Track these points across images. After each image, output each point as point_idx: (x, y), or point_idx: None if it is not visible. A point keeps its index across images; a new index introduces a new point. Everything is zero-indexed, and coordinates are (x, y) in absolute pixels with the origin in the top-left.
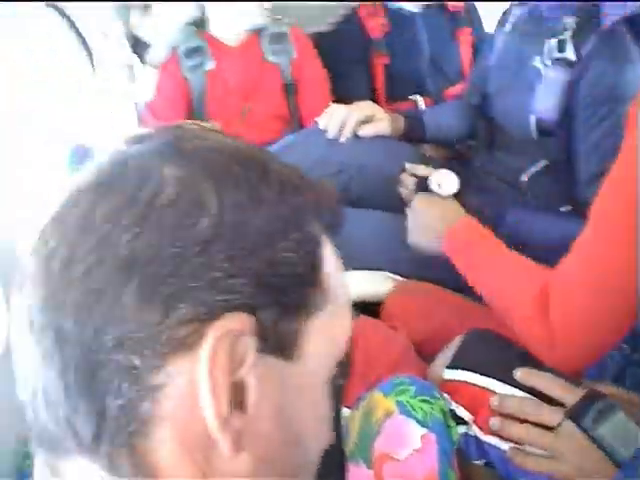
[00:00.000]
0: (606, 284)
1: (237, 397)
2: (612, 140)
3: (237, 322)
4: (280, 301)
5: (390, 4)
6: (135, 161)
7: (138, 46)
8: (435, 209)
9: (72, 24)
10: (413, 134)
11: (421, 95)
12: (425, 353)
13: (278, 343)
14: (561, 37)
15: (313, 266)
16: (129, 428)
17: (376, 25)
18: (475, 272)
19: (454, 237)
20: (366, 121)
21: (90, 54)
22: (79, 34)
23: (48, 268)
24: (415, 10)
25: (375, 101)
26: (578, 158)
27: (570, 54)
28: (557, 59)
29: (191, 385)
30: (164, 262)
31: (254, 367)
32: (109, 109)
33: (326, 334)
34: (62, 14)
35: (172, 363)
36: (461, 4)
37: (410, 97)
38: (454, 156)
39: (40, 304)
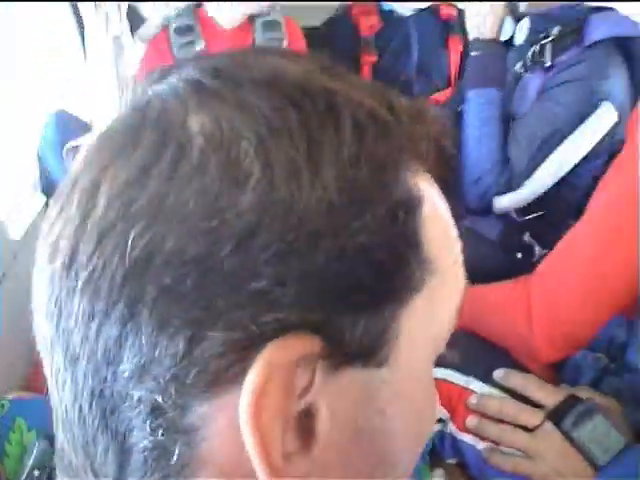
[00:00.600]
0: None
1: (304, 428)
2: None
3: (292, 347)
4: (357, 303)
5: (384, 5)
6: (153, 111)
7: (133, 19)
8: None
9: None
10: None
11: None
12: None
13: (359, 351)
14: (542, 42)
15: (405, 240)
16: (159, 473)
17: (368, 24)
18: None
19: None
20: None
21: (79, 20)
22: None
23: (52, 264)
24: (407, 13)
25: None
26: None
27: (547, 59)
28: (535, 63)
29: (234, 429)
30: (185, 269)
31: (324, 390)
32: (93, 78)
33: (427, 317)
34: None
35: (206, 403)
36: (454, 12)
37: None
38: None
39: (46, 305)
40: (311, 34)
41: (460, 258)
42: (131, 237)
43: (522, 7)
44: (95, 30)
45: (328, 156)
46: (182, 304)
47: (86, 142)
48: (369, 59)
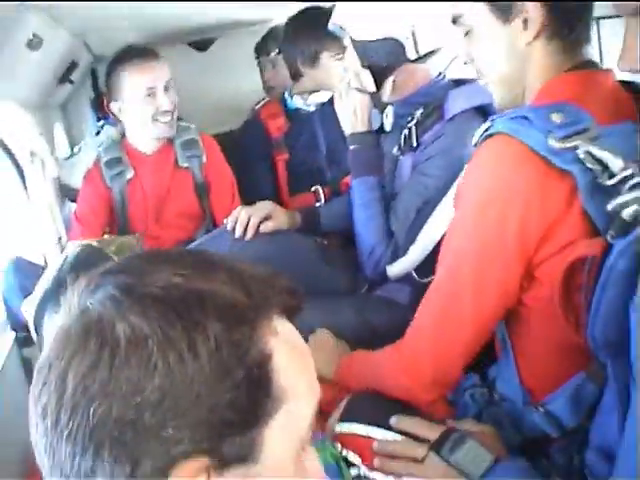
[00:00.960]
0: (447, 316)
1: None
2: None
3: (191, 466)
4: (229, 433)
5: (289, 104)
6: (93, 321)
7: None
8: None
9: (2, 143)
10: (309, 227)
11: (321, 185)
12: (330, 413)
13: (237, 458)
14: (409, 125)
15: (259, 388)
16: None
17: (276, 125)
18: (362, 380)
19: (341, 371)
20: (266, 218)
21: (21, 172)
22: (9, 153)
23: (44, 422)
24: (312, 109)
25: (279, 195)
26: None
27: (413, 140)
28: (406, 145)
29: None
30: (125, 427)
31: None
32: (40, 222)
33: (287, 425)
34: None
35: None
36: None
37: (312, 189)
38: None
39: (44, 446)
40: (226, 141)
41: (313, 374)
42: (92, 409)
43: (384, 97)
44: (33, 176)
45: (201, 346)
46: (127, 447)
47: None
48: (281, 157)
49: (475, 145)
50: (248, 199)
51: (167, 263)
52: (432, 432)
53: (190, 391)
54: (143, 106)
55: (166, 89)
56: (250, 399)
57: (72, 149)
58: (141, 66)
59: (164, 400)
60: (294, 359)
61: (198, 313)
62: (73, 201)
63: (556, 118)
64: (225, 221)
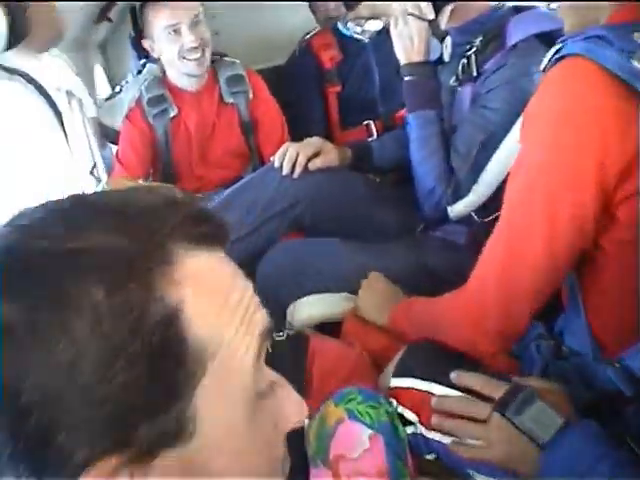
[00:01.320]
0: (513, 260)
1: None
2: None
3: (101, 471)
4: (143, 418)
5: (343, 31)
6: None
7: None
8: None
9: (38, 87)
10: (360, 164)
11: (373, 119)
12: (382, 363)
13: (165, 441)
14: (467, 54)
15: (170, 352)
16: None
17: (329, 56)
18: (420, 328)
19: (396, 317)
20: (316, 155)
21: (58, 113)
22: (45, 95)
23: None
24: (366, 39)
25: (330, 129)
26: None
27: (473, 69)
28: (464, 74)
29: None
30: (13, 439)
31: (147, 478)
32: (78, 163)
33: (223, 383)
34: (28, 80)
35: None
36: None
37: (364, 123)
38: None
39: None
40: (274, 74)
41: (250, 307)
42: None
43: (442, 24)
44: (71, 116)
45: (76, 325)
46: (23, 462)
47: None
48: (333, 90)
49: (544, 70)
50: (298, 134)
51: (40, 221)
52: (497, 390)
53: (74, 383)
54: (168, 43)
55: (193, 25)
56: (158, 373)
57: (113, 89)
58: (164, 3)
59: (46, 400)
60: (215, 300)
61: (68, 283)
62: (114, 143)
63: (639, 37)
64: (272, 158)
